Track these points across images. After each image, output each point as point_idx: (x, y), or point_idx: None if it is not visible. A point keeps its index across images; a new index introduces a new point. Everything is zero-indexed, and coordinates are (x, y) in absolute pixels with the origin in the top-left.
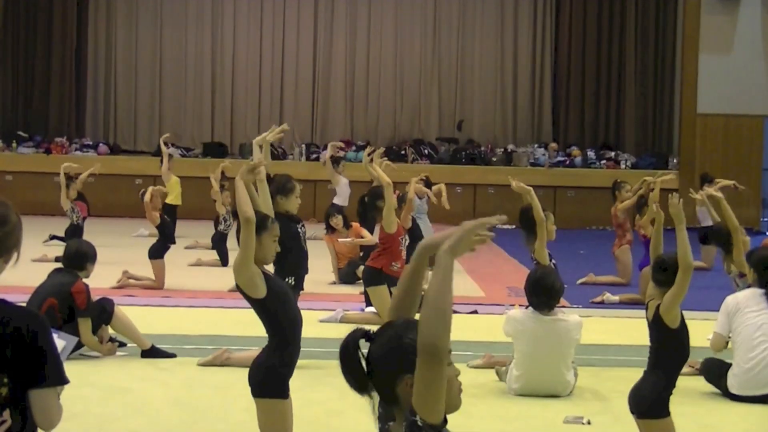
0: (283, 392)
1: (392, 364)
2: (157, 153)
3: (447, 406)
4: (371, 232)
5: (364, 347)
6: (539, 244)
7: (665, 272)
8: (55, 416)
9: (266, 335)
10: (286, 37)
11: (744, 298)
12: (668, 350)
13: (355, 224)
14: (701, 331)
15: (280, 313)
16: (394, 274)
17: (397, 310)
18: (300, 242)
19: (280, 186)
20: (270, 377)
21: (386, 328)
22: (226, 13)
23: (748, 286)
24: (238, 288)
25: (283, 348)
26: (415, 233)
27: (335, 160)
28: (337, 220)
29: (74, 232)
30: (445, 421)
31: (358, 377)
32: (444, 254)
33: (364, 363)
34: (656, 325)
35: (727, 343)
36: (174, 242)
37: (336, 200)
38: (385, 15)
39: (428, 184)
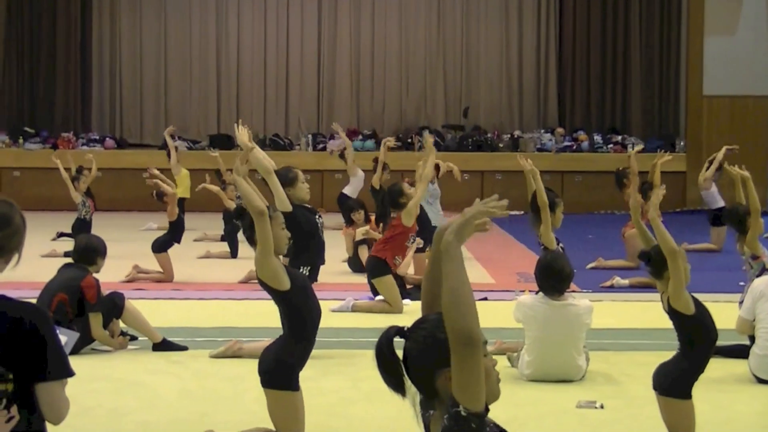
0: (291, 384)
1: (430, 360)
2: (164, 146)
3: (487, 395)
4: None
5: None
6: (544, 228)
7: (651, 263)
8: (63, 409)
9: (278, 326)
10: (291, 27)
11: None
12: (692, 336)
13: (372, 220)
14: (714, 313)
15: (302, 306)
16: (396, 267)
17: (428, 303)
18: (318, 232)
19: (283, 178)
20: (280, 369)
21: (421, 323)
22: (230, 4)
23: (763, 269)
24: (260, 282)
25: (298, 341)
26: (422, 219)
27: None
28: (359, 215)
29: (81, 227)
30: (487, 409)
31: (395, 376)
32: (451, 244)
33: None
34: (673, 315)
35: (753, 326)
36: (180, 242)
37: (346, 190)
38: (389, 2)
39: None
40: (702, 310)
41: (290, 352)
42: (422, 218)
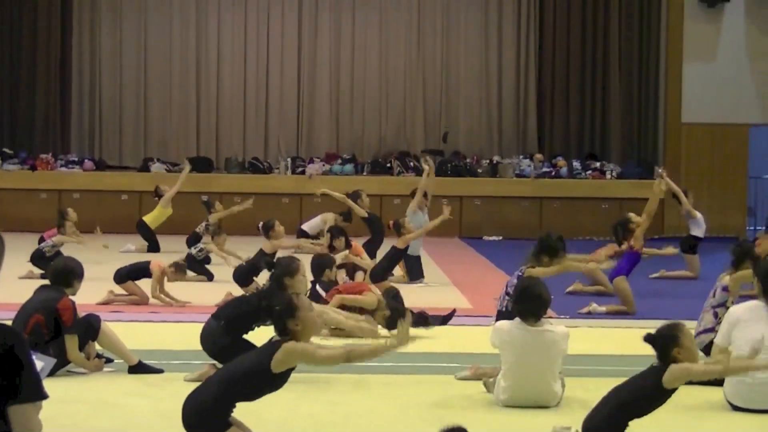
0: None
1: None
2: (144, 169)
3: None
4: (374, 255)
5: None
6: (539, 271)
7: (657, 347)
8: (36, 431)
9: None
10: (271, 50)
11: (745, 310)
12: (652, 405)
13: (356, 244)
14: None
15: (265, 388)
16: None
17: None
18: None
19: (284, 268)
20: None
21: None
22: (210, 26)
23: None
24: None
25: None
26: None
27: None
28: (340, 241)
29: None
30: None
31: None
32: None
33: None
34: (657, 390)
35: (728, 353)
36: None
37: (305, 226)
38: (369, 28)
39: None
40: None
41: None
42: (376, 226)
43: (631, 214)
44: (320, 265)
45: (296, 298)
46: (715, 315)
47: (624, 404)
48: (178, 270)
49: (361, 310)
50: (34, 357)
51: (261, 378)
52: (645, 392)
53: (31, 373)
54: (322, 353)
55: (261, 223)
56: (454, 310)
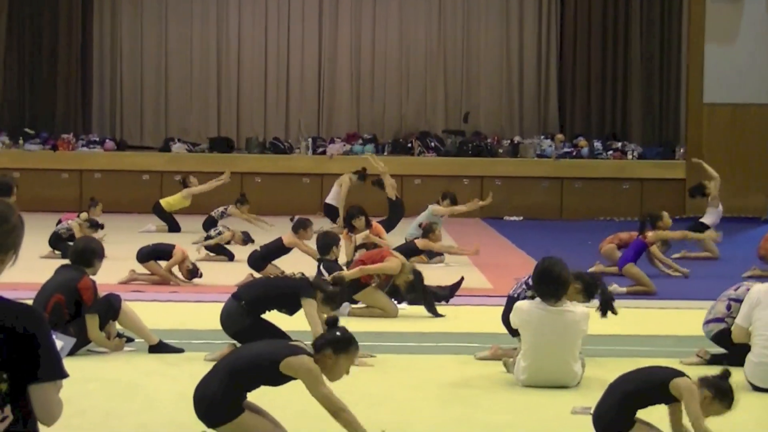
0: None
1: None
2: (165, 149)
3: None
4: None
5: None
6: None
7: None
8: (56, 410)
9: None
10: (291, 31)
11: (766, 291)
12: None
13: (376, 224)
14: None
15: (267, 381)
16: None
17: None
18: None
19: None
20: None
21: None
22: (231, 7)
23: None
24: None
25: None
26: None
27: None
28: (360, 221)
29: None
30: None
31: None
32: None
33: None
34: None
35: (749, 334)
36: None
37: (327, 200)
38: (390, 8)
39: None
40: None
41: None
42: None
43: (665, 214)
44: (326, 243)
45: (353, 338)
46: (728, 307)
47: (630, 394)
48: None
49: (387, 278)
50: (54, 336)
51: (267, 371)
52: (650, 388)
53: (51, 352)
54: (324, 390)
55: (297, 216)
56: (461, 279)
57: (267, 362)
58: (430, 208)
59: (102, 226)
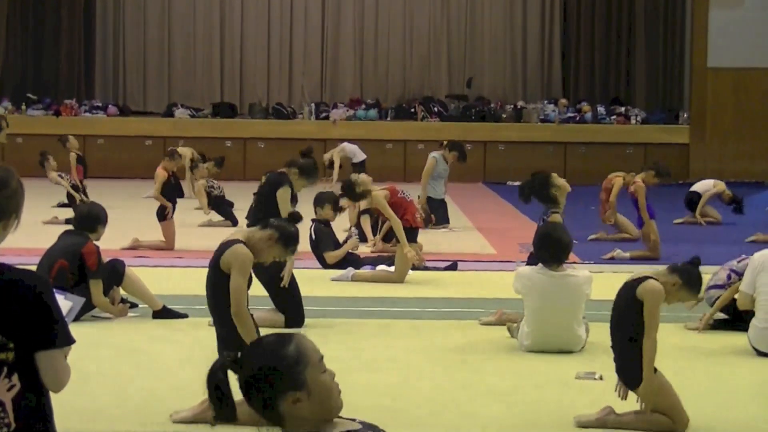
0: None
1: (269, 386)
2: (168, 114)
3: (330, 410)
4: None
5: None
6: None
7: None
8: (64, 377)
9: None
10: None
11: None
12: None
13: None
14: None
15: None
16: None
17: None
18: None
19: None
20: None
21: (255, 348)
22: None
23: None
24: None
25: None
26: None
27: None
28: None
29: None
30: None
31: (224, 407)
32: None
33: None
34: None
35: (753, 300)
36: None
37: (355, 160)
38: None
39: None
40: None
41: None
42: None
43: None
44: (320, 198)
45: (297, 237)
46: (729, 277)
47: (624, 335)
48: (172, 158)
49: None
50: (63, 297)
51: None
52: (631, 313)
53: (58, 319)
54: (242, 282)
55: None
56: (455, 263)
57: (212, 269)
58: (437, 158)
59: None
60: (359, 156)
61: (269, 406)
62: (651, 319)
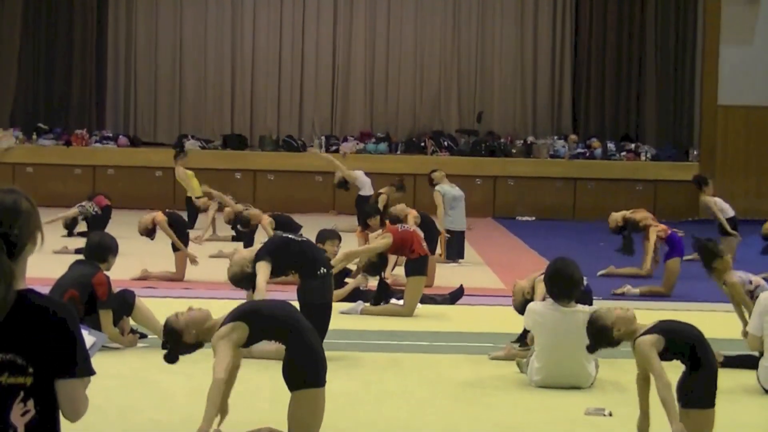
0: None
1: None
2: (177, 146)
3: None
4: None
5: None
6: None
7: None
8: (82, 407)
9: None
10: (306, 28)
11: None
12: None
13: (390, 226)
14: (723, 323)
15: None
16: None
17: None
18: None
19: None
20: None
21: None
22: (246, 3)
23: None
24: None
25: None
26: (427, 224)
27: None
28: (375, 221)
29: (94, 223)
30: None
31: None
32: None
33: None
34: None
35: (762, 341)
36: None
37: (362, 192)
38: (405, 6)
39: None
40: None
41: None
42: (427, 223)
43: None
44: (322, 234)
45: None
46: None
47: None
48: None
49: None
50: (86, 332)
51: None
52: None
53: (81, 347)
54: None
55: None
56: (461, 287)
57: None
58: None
59: None
60: (367, 191)
61: None
62: (651, 369)
